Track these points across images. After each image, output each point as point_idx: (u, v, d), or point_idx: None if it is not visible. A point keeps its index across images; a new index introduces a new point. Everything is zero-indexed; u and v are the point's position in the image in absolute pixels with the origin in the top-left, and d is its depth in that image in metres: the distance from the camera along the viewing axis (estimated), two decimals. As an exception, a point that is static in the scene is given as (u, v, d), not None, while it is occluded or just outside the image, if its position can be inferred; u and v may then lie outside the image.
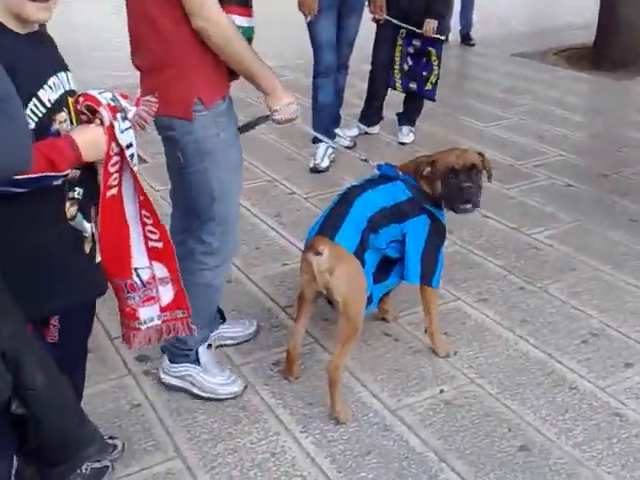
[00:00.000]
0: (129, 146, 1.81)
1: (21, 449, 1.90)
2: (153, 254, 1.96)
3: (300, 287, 2.58)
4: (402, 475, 2.23)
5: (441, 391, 2.59)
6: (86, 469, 2.12)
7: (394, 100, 5.06)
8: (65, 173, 1.72)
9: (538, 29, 8.33)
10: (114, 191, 1.84)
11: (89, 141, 1.75)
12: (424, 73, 4.68)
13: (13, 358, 1.69)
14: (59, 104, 1.76)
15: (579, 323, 2.96)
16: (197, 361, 2.57)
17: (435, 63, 4.62)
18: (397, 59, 4.73)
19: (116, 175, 1.83)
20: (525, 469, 2.24)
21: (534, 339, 2.87)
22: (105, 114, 1.76)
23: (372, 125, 5.11)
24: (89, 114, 1.78)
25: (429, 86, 4.72)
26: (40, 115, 1.71)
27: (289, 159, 4.75)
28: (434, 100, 4.86)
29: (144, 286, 1.97)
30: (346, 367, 2.68)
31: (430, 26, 4.50)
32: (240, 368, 2.72)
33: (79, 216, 1.85)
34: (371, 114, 5.08)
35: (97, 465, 2.16)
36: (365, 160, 2.80)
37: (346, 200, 2.56)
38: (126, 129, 1.80)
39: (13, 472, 1.92)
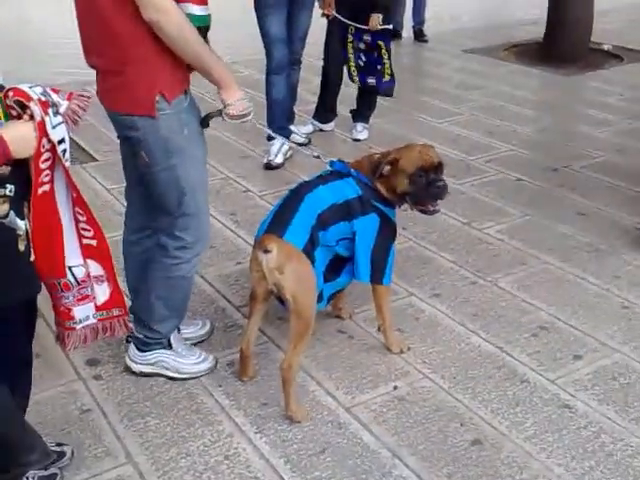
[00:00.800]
0: (61, 142, 1.78)
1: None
2: (87, 252, 1.94)
3: (251, 285, 2.57)
4: (356, 473, 2.24)
5: (395, 387, 2.61)
6: (33, 477, 2.08)
7: (348, 97, 5.07)
8: None
9: (490, 25, 8.44)
10: (46, 188, 1.81)
11: (18, 137, 1.71)
12: (378, 67, 4.68)
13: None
14: None
15: (529, 316, 3.01)
16: (169, 346, 2.63)
17: (385, 56, 4.62)
18: (351, 56, 4.73)
19: (48, 172, 1.80)
20: (478, 463, 2.27)
21: (485, 333, 2.91)
22: (36, 109, 1.73)
23: (326, 122, 5.11)
24: (19, 109, 1.74)
25: (387, 77, 4.70)
26: None
27: (243, 156, 4.72)
28: (391, 95, 4.84)
29: (79, 284, 1.95)
30: (301, 366, 2.68)
31: (375, 20, 4.50)
32: (193, 370, 2.69)
33: (11, 214, 1.80)
34: (325, 111, 5.07)
35: (45, 473, 2.12)
36: (317, 157, 2.80)
37: (297, 196, 2.56)
38: (58, 124, 1.77)
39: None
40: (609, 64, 6.78)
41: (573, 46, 6.74)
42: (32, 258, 1.88)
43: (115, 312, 2.08)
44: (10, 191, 1.79)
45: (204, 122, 2.43)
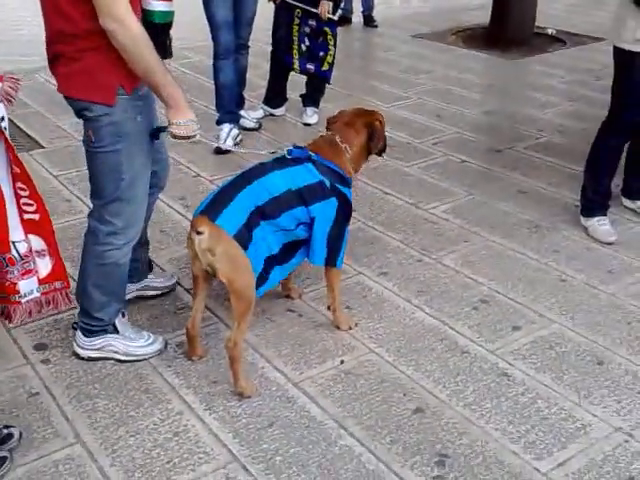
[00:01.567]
0: (1, 120, 1.81)
1: None
2: (28, 227, 1.97)
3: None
4: (303, 444, 2.30)
5: (342, 362, 2.68)
6: (-19, 461, 2.09)
7: (298, 82, 5.10)
8: None
9: (438, 10, 8.54)
10: None
11: None
12: (321, 53, 4.73)
13: None
14: None
15: (471, 291, 3.12)
16: (116, 331, 2.64)
17: (331, 43, 4.68)
18: (295, 39, 4.75)
19: None
20: (419, 430, 2.36)
21: (429, 308, 3.00)
22: None
23: (277, 107, 5.13)
24: None
25: (326, 66, 4.77)
26: None
27: (193, 141, 4.70)
28: (329, 82, 4.91)
29: (22, 259, 1.98)
30: (250, 344, 2.73)
31: (325, 8, 4.55)
32: (143, 351, 2.71)
33: None
34: (275, 96, 5.10)
35: (-7, 456, 2.13)
36: (273, 153, 2.77)
37: (244, 180, 2.57)
38: None
39: None
40: (553, 48, 6.95)
41: (518, 31, 6.89)
42: None
43: (57, 285, 2.12)
44: None
45: (155, 134, 2.45)
